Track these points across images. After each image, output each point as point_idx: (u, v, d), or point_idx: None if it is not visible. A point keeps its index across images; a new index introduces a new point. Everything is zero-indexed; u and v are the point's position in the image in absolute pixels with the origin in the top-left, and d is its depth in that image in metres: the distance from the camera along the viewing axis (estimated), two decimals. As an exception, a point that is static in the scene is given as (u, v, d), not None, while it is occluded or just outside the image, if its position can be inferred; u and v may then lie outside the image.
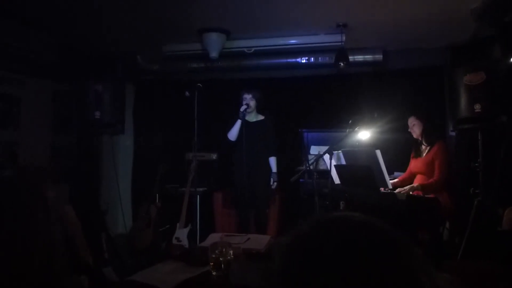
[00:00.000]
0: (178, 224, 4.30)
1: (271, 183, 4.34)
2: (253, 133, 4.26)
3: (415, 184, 3.63)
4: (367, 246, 0.53)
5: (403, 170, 3.97)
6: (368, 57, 4.59)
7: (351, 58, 4.32)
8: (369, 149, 3.70)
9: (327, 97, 4.97)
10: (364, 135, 3.91)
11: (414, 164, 3.82)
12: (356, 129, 3.73)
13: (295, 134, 4.82)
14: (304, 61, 4.67)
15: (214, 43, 4.35)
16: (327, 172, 3.73)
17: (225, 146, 4.51)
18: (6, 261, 0.96)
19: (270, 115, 4.48)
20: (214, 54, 4.42)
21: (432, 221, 3.42)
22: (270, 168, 4.35)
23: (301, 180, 4.30)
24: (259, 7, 3.64)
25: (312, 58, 4.65)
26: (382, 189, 3.51)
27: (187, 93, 4.10)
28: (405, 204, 3.28)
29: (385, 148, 3.79)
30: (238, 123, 4.24)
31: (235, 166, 4.38)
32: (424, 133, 3.74)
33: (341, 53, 4.21)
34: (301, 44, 4.50)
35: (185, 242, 4.19)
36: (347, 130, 3.73)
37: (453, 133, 4.18)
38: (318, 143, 4.52)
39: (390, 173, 3.73)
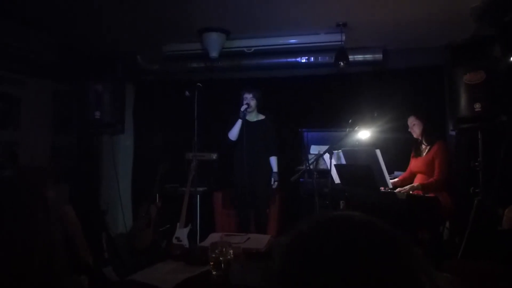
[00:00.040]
0: (178, 224, 4.30)
1: (272, 182, 4.34)
2: (253, 133, 4.25)
3: (415, 183, 3.63)
4: (367, 245, 0.53)
5: (403, 170, 3.97)
6: (368, 57, 4.59)
7: (351, 57, 4.31)
8: (369, 148, 3.70)
9: (327, 97, 4.97)
10: (364, 134, 3.92)
11: (414, 164, 3.82)
12: (356, 128, 3.73)
13: (295, 134, 4.82)
14: (304, 60, 4.67)
15: (214, 43, 4.35)
16: (327, 172, 3.73)
17: (225, 146, 4.51)
18: (6, 261, 0.96)
19: (270, 114, 4.48)
20: (214, 54, 4.42)
21: (432, 220, 3.42)
22: (270, 168, 4.35)
23: (301, 179, 4.30)
24: (259, 7, 3.64)
25: (312, 58, 4.65)
26: (382, 188, 3.51)
27: (187, 93, 4.10)
28: (405, 204, 3.28)
29: (385, 148, 3.80)
30: (239, 122, 4.24)
31: (235, 165, 4.38)
32: (424, 132, 3.74)
33: (341, 52, 4.21)
34: (301, 44, 4.49)
35: (185, 242, 4.19)
36: (347, 130, 3.73)
37: (453, 133, 4.18)
38: (318, 142, 4.52)
39: (390, 172, 3.73)
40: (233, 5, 3.62)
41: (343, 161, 3.83)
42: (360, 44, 4.52)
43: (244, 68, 4.92)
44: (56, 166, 4.57)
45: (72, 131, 4.92)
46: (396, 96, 4.54)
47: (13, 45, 3.89)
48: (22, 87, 4.27)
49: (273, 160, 4.36)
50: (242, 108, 4.22)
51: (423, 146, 3.78)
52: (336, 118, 4.45)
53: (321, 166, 4.27)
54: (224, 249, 1.93)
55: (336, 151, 3.74)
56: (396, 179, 3.85)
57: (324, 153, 3.61)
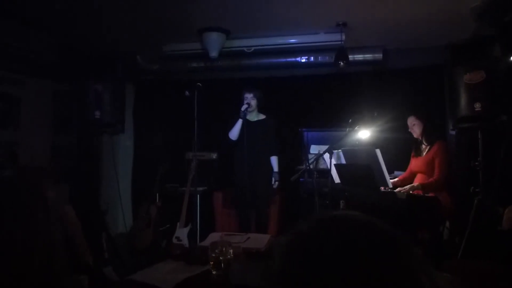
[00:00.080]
0: (178, 224, 4.30)
1: (273, 182, 4.34)
2: (254, 133, 4.25)
3: (415, 183, 3.63)
4: (367, 245, 0.53)
5: (403, 169, 3.97)
6: (368, 56, 4.59)
7: (351, 57, 4.31)
8: (369, 148, 3.70)
9: (327, 96, 4.97)
10: (364, 134, 3.91)
11: (415, 163, 3.82)
12: (356, 128, 3.73)
13: (295, 134, 4.82)
14: (304, 60, 4.67)
15: (214, 42, 4.35)
16: (327, 171, 3.73)
17: (225, 146, 4.51)
18: (6, 261, 0.96)
19: (270, 114, 4.48)
20: (214, 53, 4.42)
21: (432, 220, 3.42)
22: (271, 168, 4.35)
23: (301, 179, 4.30)
24: (258, 7, 3.64)
25: (312, 57, 4.65)
26: (382, 188, 3.51)
27: (187, 93, 4.09)
28: (405, 203, 3.28)
29: (385, 147, 3.80)
30: (239, 122, 4.24)
31: (236, 165, 4.37)
32: (424, 132, 3.74)
33: (341, 52, 4.21)
34: (301, 43, 4.49)
35: (185, 242, 4.20)
36: (347, 129, 3.73)
37: (453, 132, 4.18)
38: (318, 142, 4.52)
39: (390, 172, 3.73)
40: (233, 5, 3.62)
41: (343, 161, 3.83)
42: (360, 44, 4.52)
43: (244, 67, 4.92)
44: (56, 166, 4.57)
45: (72, 131, 4.92)
46: (396, 96, 4.54)
47: (13, 45, 3.89)
48: (22, 87, 4.27)
49: (274, 160, 4.36)
50: (243, 108, 4.21)
51: (423, 146, 3.78)
52: (336, 118, 4.45)
53: (321, 166, 4.27)
54: (224, 249, 1.93)
55: (336, 150, 3.74)
56: (396, 179, 3.85)
57: (324, 152, 3.61)
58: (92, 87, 3.98)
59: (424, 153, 3.74)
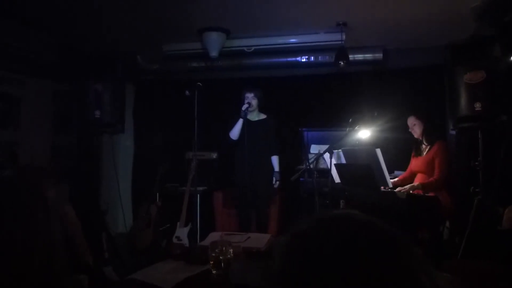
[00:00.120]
0: (178, 223, 4.30)
1: (274, 182, 4.34)
2: (255, 132, 4.25)
3: (415, 183, 3.63)
4: (367, 245, 0.52)
5: (404, 169, 3.97)
6: (368, 56, 4.59)
7: (351, 57, 4.31)
8: (369, 148, 3.70)
9: (327, 96, 4.97)
10: (364, 134, 3.91)
11: (415, 163, 3.82)
12: (356, 128, 3.72)
13: (295, 133, 4.82)
14: (304, 60, 4.67)
15: (214, 42, 4.35)
16: (327, 171, 3.73)
17: (225, 145, 4.51)
18: (6, 261, 0.96)
19: (270, 114, 4.48)
20: (214, 53, 4.42)
21: (432, 220, 3.42)
22: (272, 167, 4.34)
23: (301, 179, 4.29)
24: (259, 6, 3.64)
25: (312, 57, 4.65)
26: (382, 188, 3.51)
27: (187, 93, 4.10)
28: (405, 203, 3.28)
29: (385, 147, 3.80)
30: (240, 122, 4.23)
31: (236, 165, 4.37)
32: (424, 133, 3.74)
33: (341, 52, 4.21)
34: (301, 43, 4.49)
35: (185, 241, 4.20)
36: (347, 129, 3.73)
37: (453, 132, 4.18)
38: (318, 142, 4.52)
39: (390, 172, 3.73)
40: (233, 5, 3.62)
41: (343, 161, 3.83)
42: (360, 44, 4.52)
43: (244, 67, 4.92)
44: (56, 166, 4.57)
45: (72, 131, 4.92)
46: (396, 96, 4.54)
47: (13, 45, 3.89)
48: (22, 87, 4.27)
49: (275, 160, 4.36)
50: (244, 108, 4.21)
51: (423, 146, 3.78)
52: (336, 118, 4.45)
53: (321, 166, 4.27)
54: (224, 248, 1.93)
55: (336, 150, 3.74)
56: (396, 179, 3.85)
57: (324, 152, 3.61)
58: (92, 87, 3.98)
59: (424, 153, 3.74)
